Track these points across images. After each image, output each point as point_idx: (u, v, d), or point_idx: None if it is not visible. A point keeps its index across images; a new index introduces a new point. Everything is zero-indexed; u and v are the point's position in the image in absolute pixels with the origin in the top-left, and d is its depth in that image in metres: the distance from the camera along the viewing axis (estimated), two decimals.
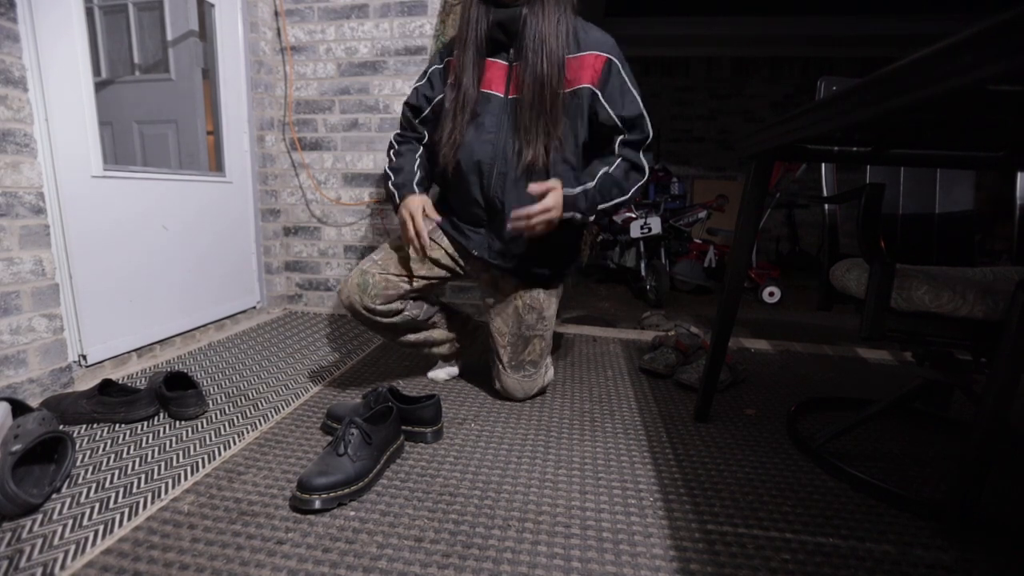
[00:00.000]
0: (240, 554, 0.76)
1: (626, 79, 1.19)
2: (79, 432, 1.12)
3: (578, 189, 1.15)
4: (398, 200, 1.26)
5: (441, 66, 1.30)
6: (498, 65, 1.22)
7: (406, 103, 1.35)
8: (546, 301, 1.32)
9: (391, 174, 1.30)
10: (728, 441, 1.16)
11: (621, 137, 1.21)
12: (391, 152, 1.35)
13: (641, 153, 1.22)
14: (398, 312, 1.28)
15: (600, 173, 1.18)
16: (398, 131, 1.39)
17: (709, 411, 1.26)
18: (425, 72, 1.33)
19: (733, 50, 4.72)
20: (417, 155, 1.32)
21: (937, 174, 1.24)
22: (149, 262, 1.63)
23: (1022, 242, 1.17)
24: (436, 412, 1.12)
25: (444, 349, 1.43)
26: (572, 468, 1.02)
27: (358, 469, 0.91)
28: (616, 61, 1.19)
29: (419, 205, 1.22)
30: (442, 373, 1.48)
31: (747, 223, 1.12)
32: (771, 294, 3.10)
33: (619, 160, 1.20)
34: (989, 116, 0.75)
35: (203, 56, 1.94)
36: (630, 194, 1.22)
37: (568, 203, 1.13)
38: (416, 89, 1.33)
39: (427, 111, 1.32)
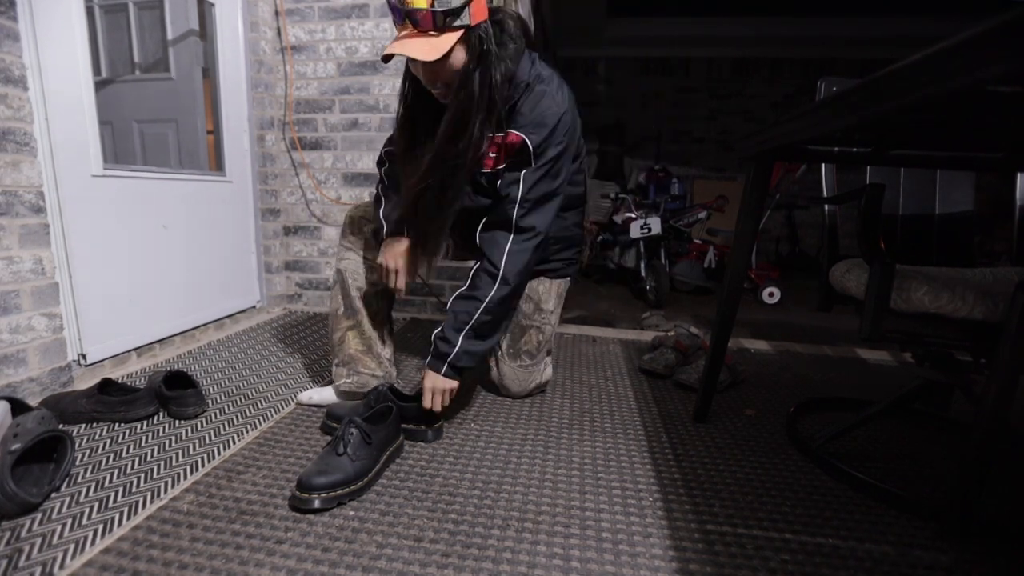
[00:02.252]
0: (239, 553, 0.76)
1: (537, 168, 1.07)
2: (78, 431, 1.12)
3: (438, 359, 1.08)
4: (383, 235, 1.16)
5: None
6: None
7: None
8: (544, 293, 1.32)
9: (382, 200, 1.19)
10: (727, 441, 1.16)
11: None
12: (382, 172, 1.24)
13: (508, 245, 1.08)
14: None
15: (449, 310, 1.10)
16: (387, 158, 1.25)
17: (708, 411, 1.26)
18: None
19: (733, 51, 4.73)
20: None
21: (937, 175, 1.24)
22: (149, 261, 1.63)
23: (1022, 243, 1.17)
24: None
25: (354, 347, 1.24)
26: (572, 468, 1.02)
27: (357, 469, 0.91)
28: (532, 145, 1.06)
29: (402, 255, 1.12)
30: (315, 395, 1.28)
31: (747, 224, 1.12)
32: (771, 295, 3.10)
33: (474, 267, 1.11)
34: (989, 117, 0.75)
35: (203, 55, 1.94)
36: (485, 305, 1.07)
37: (435, 372, 1.07)
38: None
39: None
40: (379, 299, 1.26)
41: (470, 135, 1.01)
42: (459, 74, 0.98)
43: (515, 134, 1.07)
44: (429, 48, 0.91)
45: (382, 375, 1.27)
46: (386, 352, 1.30)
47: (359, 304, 1.24)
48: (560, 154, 1.08)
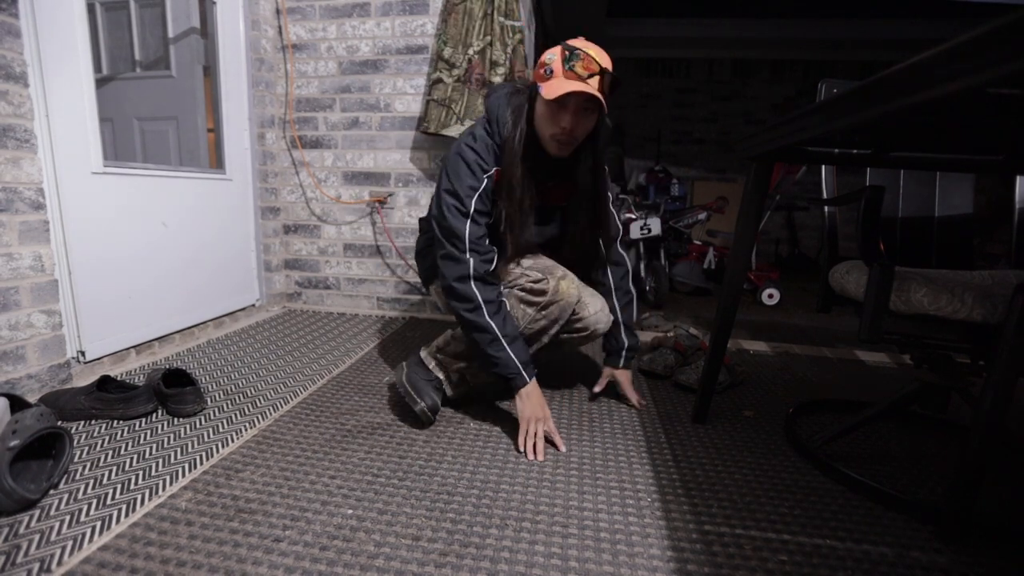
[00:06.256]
0: (237, 551, 0.76)
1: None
2: (77, 428, 1.12)
3: (624, 352, 1.37)
4: (518, 384, 1.12)
5: (486, 180, 1.18)
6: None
7: (464, 234, 1.14)
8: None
9: (503, 345, 1.11)
10: (726, 442, 1.16)
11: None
12: (483, 303, 1.12)
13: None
14: None
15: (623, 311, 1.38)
16: (471, 264, 1.13)
17: (707, 412, 1.26)
18: (473, 192, 1.16)
19: (734, 52, 4.72)
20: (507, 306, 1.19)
21: (937, 177, 1.24)
22: (148, 259, 1.62)
23: (1020, 246, 1.17)
24: None
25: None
26: (570, 468, 1.02)
27: None
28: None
29: (544, 407, 1.13)
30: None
31: (747, 225, 1.12)
32: (770, 296, 3.10)
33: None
34: (989, 119, 0.75)
35: (204, 53, 1.94)
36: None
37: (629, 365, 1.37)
38: (474, 217, 1.15)
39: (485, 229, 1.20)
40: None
41: (604, 178, 1.29)
42: (588, 132, 1.16)
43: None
44: (601, 101, 1.08)
45: None
46: None
47: None
48: None
